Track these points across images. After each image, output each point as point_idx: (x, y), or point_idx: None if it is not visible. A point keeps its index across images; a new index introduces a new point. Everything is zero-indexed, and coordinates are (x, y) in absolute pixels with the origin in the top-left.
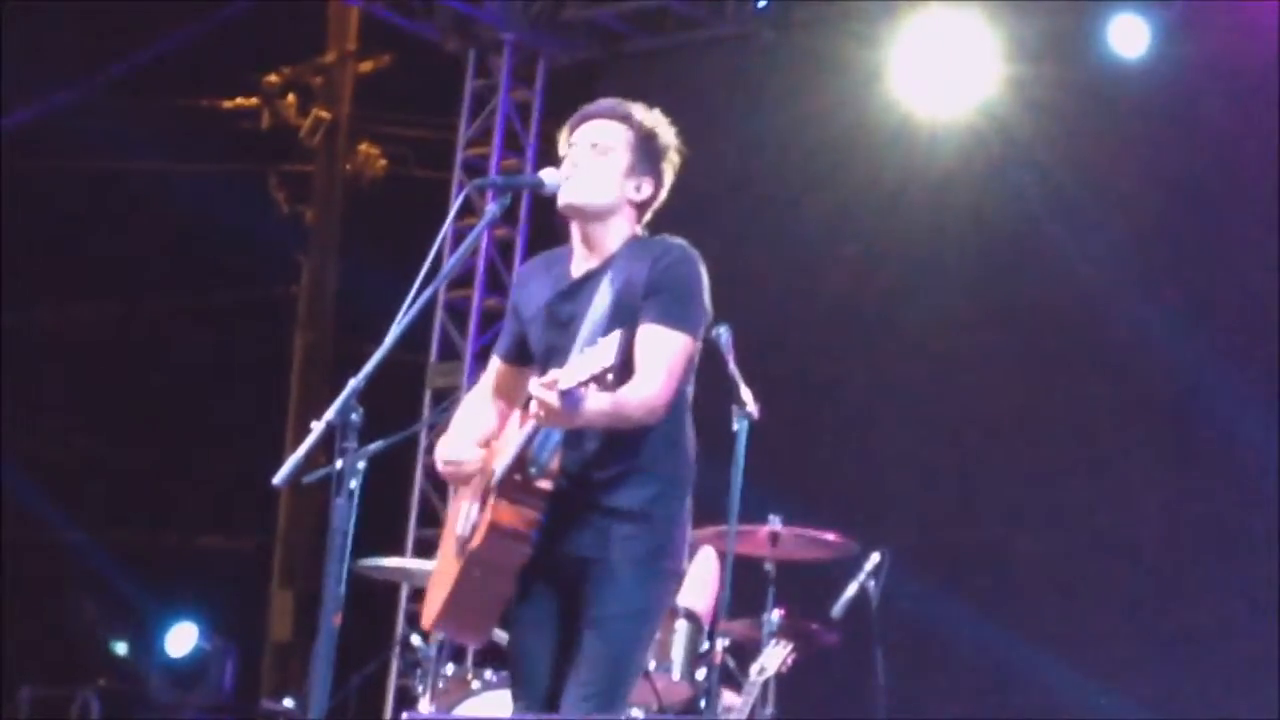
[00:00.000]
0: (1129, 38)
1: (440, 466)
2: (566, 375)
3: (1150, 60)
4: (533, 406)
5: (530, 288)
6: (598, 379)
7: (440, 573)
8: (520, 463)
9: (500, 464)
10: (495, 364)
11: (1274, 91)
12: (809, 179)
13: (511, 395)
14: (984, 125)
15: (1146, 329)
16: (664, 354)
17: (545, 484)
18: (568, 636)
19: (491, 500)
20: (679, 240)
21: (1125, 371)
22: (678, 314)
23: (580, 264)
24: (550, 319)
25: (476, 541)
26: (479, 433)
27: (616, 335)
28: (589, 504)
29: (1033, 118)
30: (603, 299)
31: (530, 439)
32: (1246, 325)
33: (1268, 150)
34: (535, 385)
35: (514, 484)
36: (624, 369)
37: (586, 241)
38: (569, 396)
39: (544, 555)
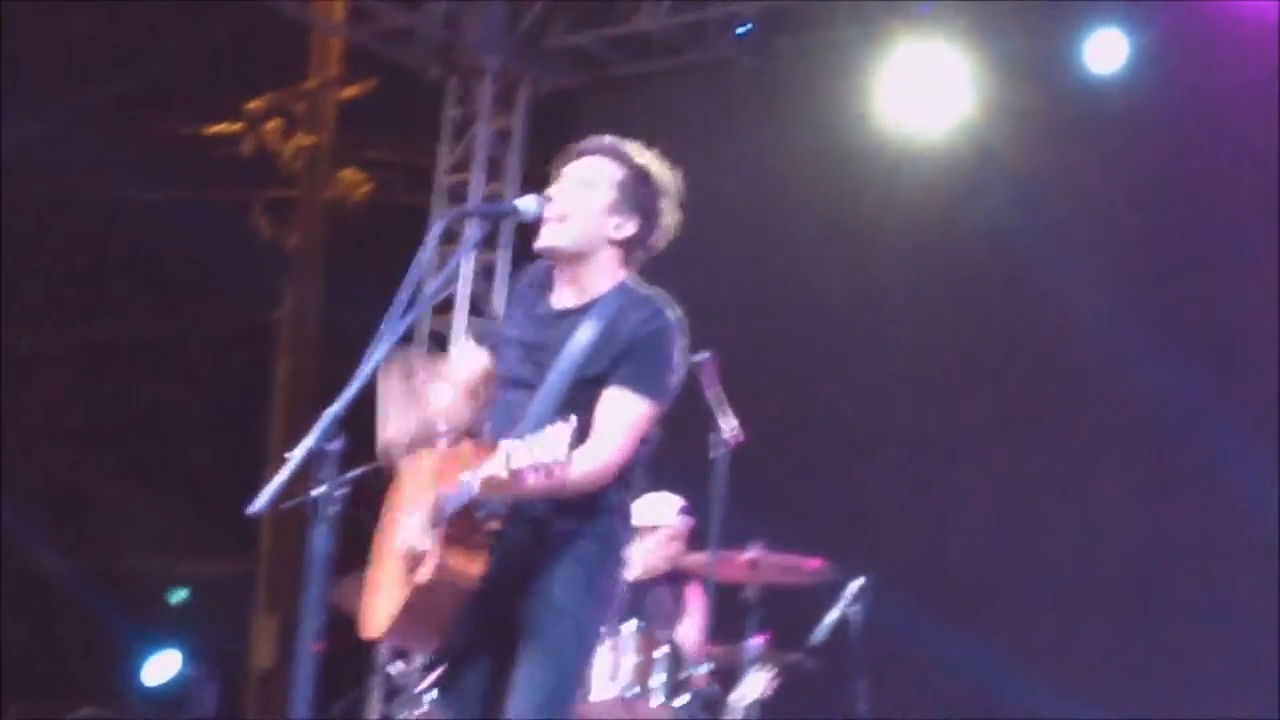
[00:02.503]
0: (1106, 55)
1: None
2: (518, 455)
3: (1129, 78)
4: (483, 470)
5: (516, 304)
6: (543, 470)
7: (382, 580)
8: (471, 508)
9: (451, 498)
10: (475, 347)
11: (1253, 108)
12: (790, 203)
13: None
14: (965, 148)
15: (1127, 352)
16: (624, 420)
17: (495, 525)
18: (503, 664)
19: (440, 536)
20: (660, 299)
21: (1105, 394)
22: (645, 380)
23: (562, 297)
24: (521, 350)
25: (424, 576)
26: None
27: (569, 427)
28: (528, 526)
29: (1013, 140)
30: (577, 346)
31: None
32: (1227, 347)
33: (1248, 167)
34: (488, 467)
35: (464, 525)
36: (587, 426)
37: (571, 280)
38: (516, 478)
39: (488, 582)
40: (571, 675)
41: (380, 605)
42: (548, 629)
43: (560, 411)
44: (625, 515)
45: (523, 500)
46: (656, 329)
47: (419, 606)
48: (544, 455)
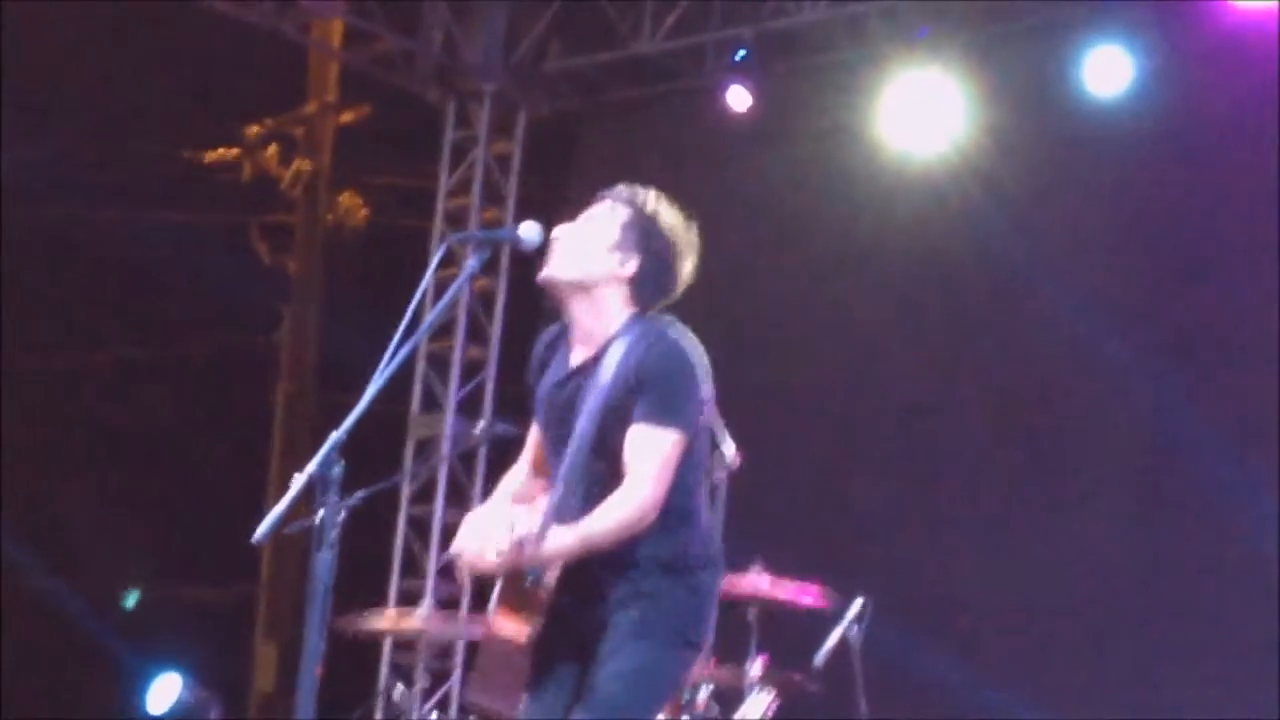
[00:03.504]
0: (1105, 78)
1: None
2: (519, 523)
3: (1125, 100)
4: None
5: (538, 367)
6: (520, 545)
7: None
8: (516, 576)
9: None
10: (534, 431)
11: (1249, 128)
12: (787, 226)
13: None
14: (962, 171)
15: (1123, 374)
16: (651, 456)
17: (541, 592)
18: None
19: (492, 606)
20: (671, 327)
21: (1101, 415)
22: (664, 411)
23: (579, 350)
24: (549, 410)
25: (483, 641)
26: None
27: (551, 499)
28: (598, 579)
29: (1010, 163)
30: (594, 396)
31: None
32: (1223, 370)
33: (1246, 189)
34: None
35: (511, 594)
36: (615, 471)
37: (580, 325)
38: (519, 548)
39: (564, 630)
40: (624, 710)
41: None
42: (606, 676)
43: (592, 463)
44: (702, 558)
45: (575, 567)
46: (664, 355)
47: (487, 667)
48: (519, 528)
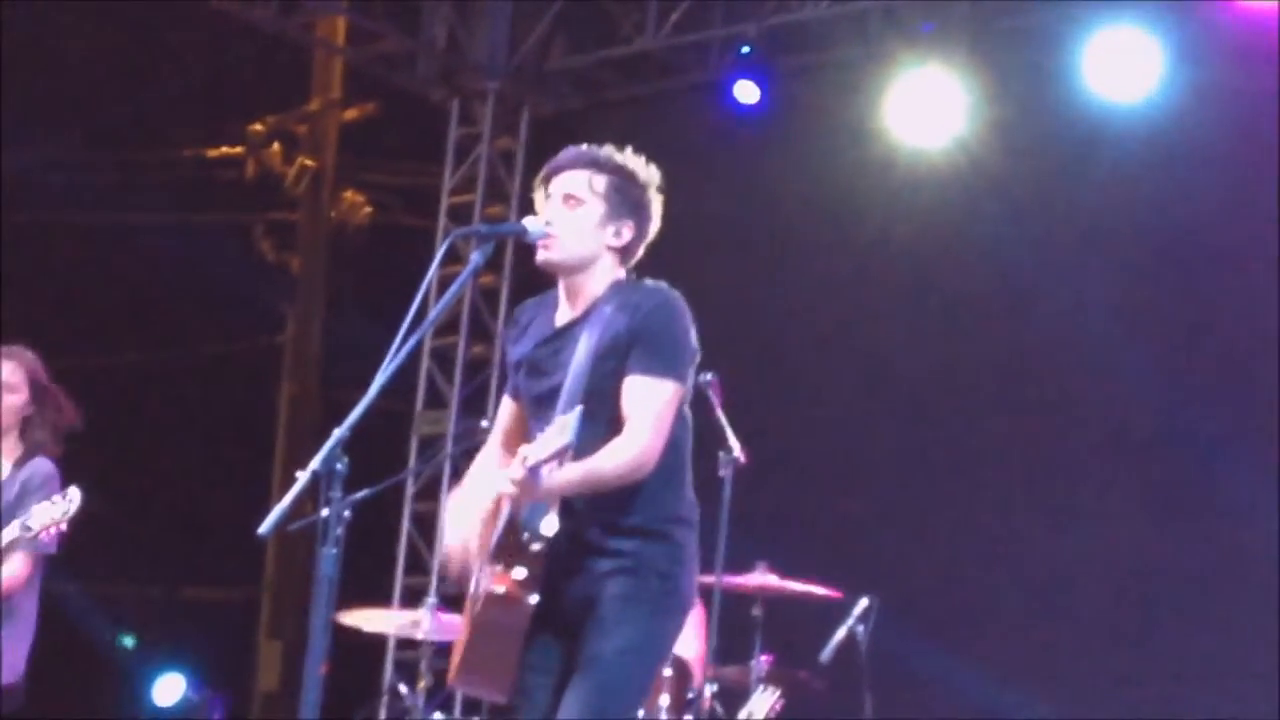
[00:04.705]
0: (1110, 73)
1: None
2: (531, 453)
3: (1133, 98)
4: (504, 485)
5: (518, 333)
6: (557, 458)
7: (462, 630)
8: (513, 530)
9: (497, 529)
10: (506, 404)
11: (1255, 129)
12: (794, 225)
13: (525, 433)
14: (967, 168)
15: (1129, 374)
16: (650, 406)
17: (539, 547)
18: (568, 681)
19: (488, 567)
20: (659, 285)
21: (1108, 416)
22: (661, 362)
23: (564, 313)
24: (531, 369)
25: (479, 607)
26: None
27: (576, 414)
28: (583, 550)
29: (1016, 160)
30: (582, 352)
31: (519, 508)
32: (1228, 368)
33: (1249, 188)
34: (508, 470)
35: (508, 550)
36: (614, 421)
37: (570, 291)
38: (533, 474)
39: (547, 603)
40: (623, 698)
41: (456, 651)
42: (600, 652)
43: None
44: (684, 520)
45: (572, 524)
46: (657, 308)
47: (482, 641)
48: (554, 444)
